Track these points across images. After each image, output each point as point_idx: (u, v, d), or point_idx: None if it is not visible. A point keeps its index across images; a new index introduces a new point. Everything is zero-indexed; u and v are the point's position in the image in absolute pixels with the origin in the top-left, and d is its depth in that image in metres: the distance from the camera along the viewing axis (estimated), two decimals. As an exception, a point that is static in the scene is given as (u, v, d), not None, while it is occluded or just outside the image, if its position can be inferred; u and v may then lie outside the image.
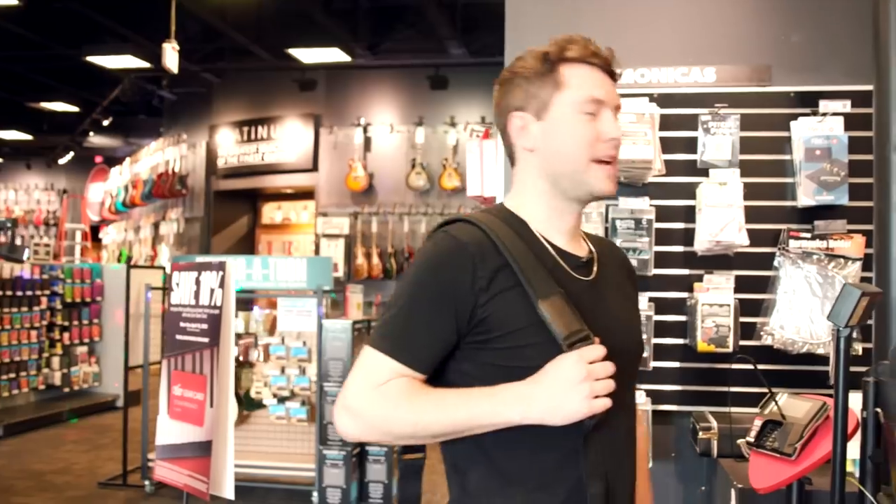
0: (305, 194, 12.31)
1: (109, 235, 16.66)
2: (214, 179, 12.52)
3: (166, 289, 6.63)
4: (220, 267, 3.84)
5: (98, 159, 17.73)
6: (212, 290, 3.86)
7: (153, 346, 6.45)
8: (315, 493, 5.73)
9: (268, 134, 11.86)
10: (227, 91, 12.48)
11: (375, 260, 10.80)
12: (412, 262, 1.57)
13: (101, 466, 7.00)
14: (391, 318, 1.52)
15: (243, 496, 5.46)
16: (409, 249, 10.79)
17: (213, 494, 3.67)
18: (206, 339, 3.80)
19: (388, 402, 1.46)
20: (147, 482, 6.19)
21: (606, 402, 1.41)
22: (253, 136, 11.99)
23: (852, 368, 2.01)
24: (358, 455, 5.72)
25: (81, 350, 9.66)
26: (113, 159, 17.17)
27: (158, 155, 13.28)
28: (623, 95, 2.37)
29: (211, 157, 12.48)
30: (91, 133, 15.32)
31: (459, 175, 10.48)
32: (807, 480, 2.40)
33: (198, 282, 3.95)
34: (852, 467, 2.28)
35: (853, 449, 2.15)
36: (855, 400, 2.15)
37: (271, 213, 13.55)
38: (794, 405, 2.38)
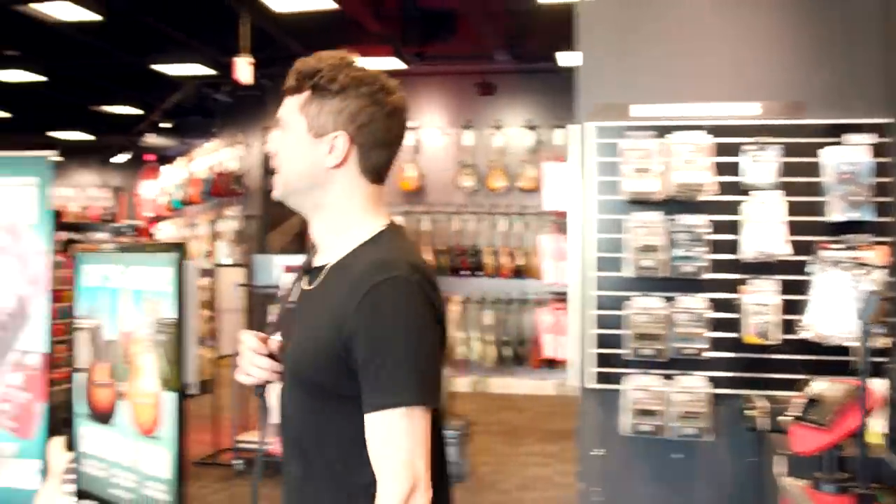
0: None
1: (163, 232, 17.28)
2: (270, 179, 13.03)
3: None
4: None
5: (149, 158, 18.37)
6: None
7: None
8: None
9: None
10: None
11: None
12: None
13: None
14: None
15: None
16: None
17: None
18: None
19: None
20: None
21: (245, 378, 1.81)
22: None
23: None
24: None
25: None
26: (163, 158, 17.78)
27: (214, 155, 13.89)
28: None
29: (265, 157, 13.06)
30: (147, 134, 15.99)
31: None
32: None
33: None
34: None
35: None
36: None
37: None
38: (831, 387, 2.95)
